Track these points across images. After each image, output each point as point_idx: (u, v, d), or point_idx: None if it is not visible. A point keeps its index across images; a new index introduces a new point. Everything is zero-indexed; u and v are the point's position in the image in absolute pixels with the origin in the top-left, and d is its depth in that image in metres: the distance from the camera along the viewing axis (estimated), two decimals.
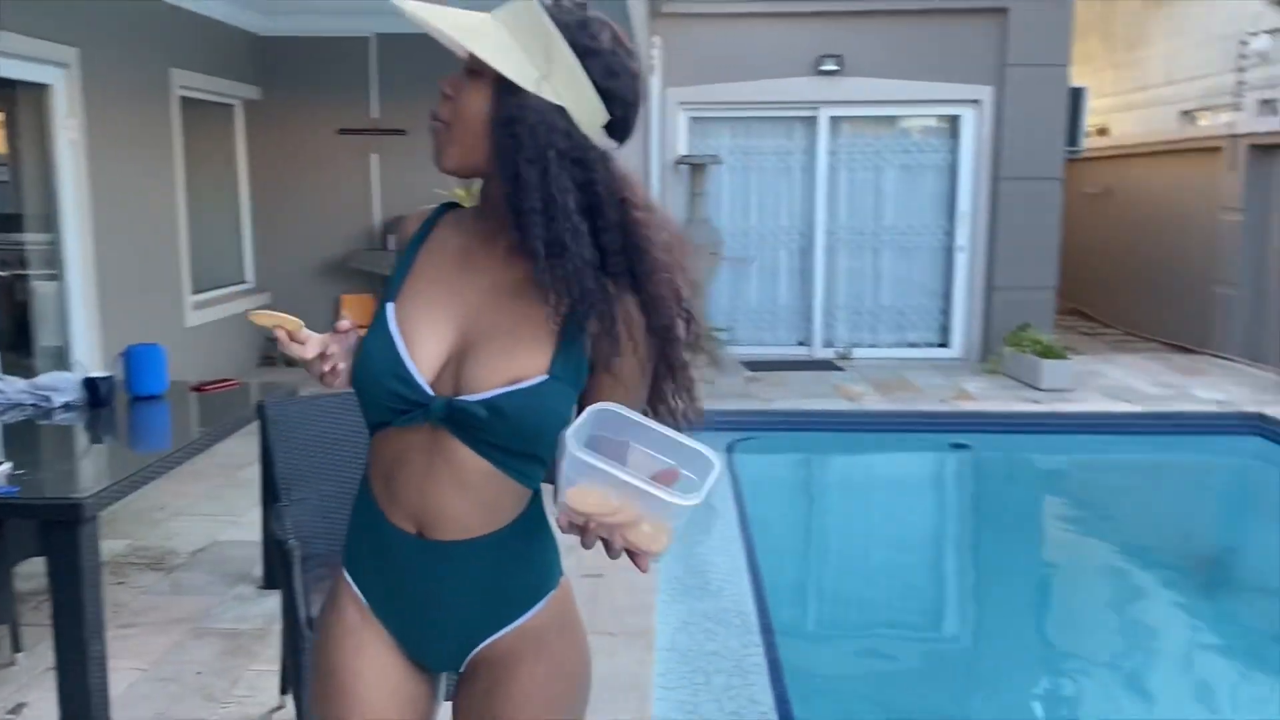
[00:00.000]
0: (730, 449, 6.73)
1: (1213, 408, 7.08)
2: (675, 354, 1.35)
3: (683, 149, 8.62)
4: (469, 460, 1.33)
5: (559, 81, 1.29)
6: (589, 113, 1.30)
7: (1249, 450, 6.81)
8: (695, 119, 8.69)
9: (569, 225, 1.28)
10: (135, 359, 3.52)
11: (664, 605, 3.91)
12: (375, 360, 1.35)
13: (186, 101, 7.32)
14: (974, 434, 6.94)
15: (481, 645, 1.43)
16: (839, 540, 5.97)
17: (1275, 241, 8.43)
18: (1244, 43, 9.94)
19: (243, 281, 8.55)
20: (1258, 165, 8.52)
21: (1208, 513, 6.50)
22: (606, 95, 1.31)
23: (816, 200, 8.70)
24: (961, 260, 8.69)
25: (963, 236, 8.65)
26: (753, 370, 8.15)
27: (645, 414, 1.34)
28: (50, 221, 5.83)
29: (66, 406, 3.40)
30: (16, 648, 3.27)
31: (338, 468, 3.00)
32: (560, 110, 1.29)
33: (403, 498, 1.37)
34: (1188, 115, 13.15)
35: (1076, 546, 5.77)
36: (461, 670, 1.47)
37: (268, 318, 1.45)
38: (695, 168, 8.23)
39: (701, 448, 1.22)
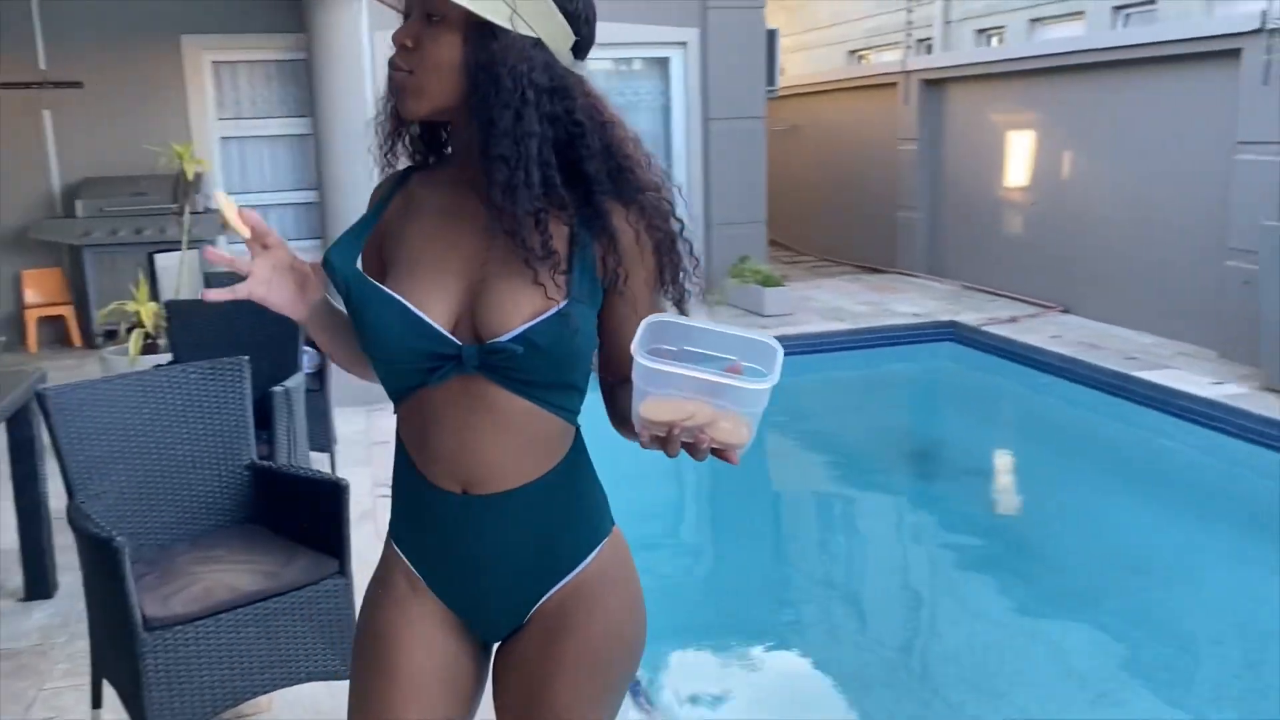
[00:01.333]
0: None
1: (912, 320, 7.89)
2: (676, 260, 1.35)
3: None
4: (507, 403, 1.29)
5: (528, 13, 1.26)
6: (560, 39, 1.29)
7: (946, 354, 7.68)
8: None
9: (540, 164, 1.26)
10: None
11: None
12: (393, 327, 1.28)
13: None
14: None
15: (537, 604, 1.38)
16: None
17: (947, 168, 9.44)
18: None
19: None
20: (929, 98, 9.46)
21: (921, 411, 7.29)
22: (570, 16, 1.30)
23: None
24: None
25: (680, 176, 9.00)
26: None
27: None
28: None
29: None
30: None
31: (136, 455, 2.74)
32: (537, 43, 1.27)
33: (443, 456, 1.32)
34: (855, 54, 14.36)
35: (814, 452, 6.30)
36: (513, 629, 1.41)
37: (230, 207, 1.36)
38: None
39: (760, 335, 1.21)
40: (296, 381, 3.83)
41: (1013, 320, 7.72)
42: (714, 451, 1.19)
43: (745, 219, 8.99)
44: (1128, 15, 9.66)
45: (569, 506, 1.38)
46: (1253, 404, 5.45)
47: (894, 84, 9.82)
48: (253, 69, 8.21)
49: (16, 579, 3.55)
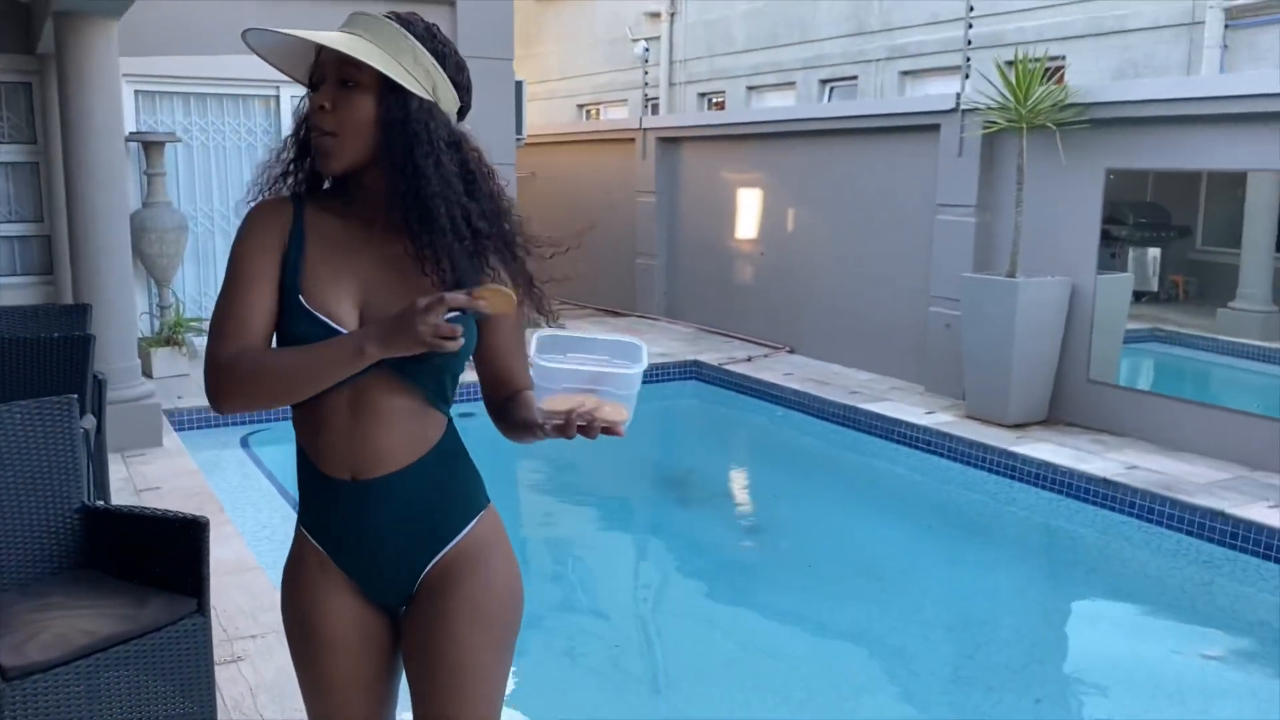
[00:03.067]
0: (245, 443, 6.50)
1: (659, 359, 8.40)
2: (536, 288, 1.62)
3: (131, 125, 7.88)
4: (396, 400, 1.54)
5: (427, 81, 1.53)
6: (449, 103, 1.56)
7: (691, 391, 8.25)
8: (143, 93, 7.99)
9: (460, 206, 1.53)
10: None
11: None
12: (312, 338, 1.50)
13: None
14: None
15: (424, 571, 1.60)
16: None
17: (683, 219, 10.13)
18: (644, 46, 11.62)
19: None
20: (665, 155, 10.13)
21: (672, 443, 7.77)
22: (458, 86, 1.57)
23: None
24: None
25: None
26: None
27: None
28: None
29: None
30: None
31: None
32: (435, 105, 1.53)
33: (335, 449, 1.56)
34: (583, 108, 15.00)
35: (568, 482, 6.57)
36: (409, 596, 1.63)
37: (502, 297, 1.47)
38: (150, 146, 7.62)
39: (625, 337, 1.55)
40: (89, 424, 3.64)
41: (749, 360, 8.42)
42: (604, 430, 1.44)
43: None
44: (832, 89, 10.84)
45: (445, 481, 1.61)
46: (959, 429, 6.31)
47: (632, 139, 10.43)
48: None
49: None
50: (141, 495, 4.86)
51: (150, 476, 5.15)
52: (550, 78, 15.13)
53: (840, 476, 6.65)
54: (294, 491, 5.22)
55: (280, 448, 6.62)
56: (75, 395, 2.81)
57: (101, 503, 2.87)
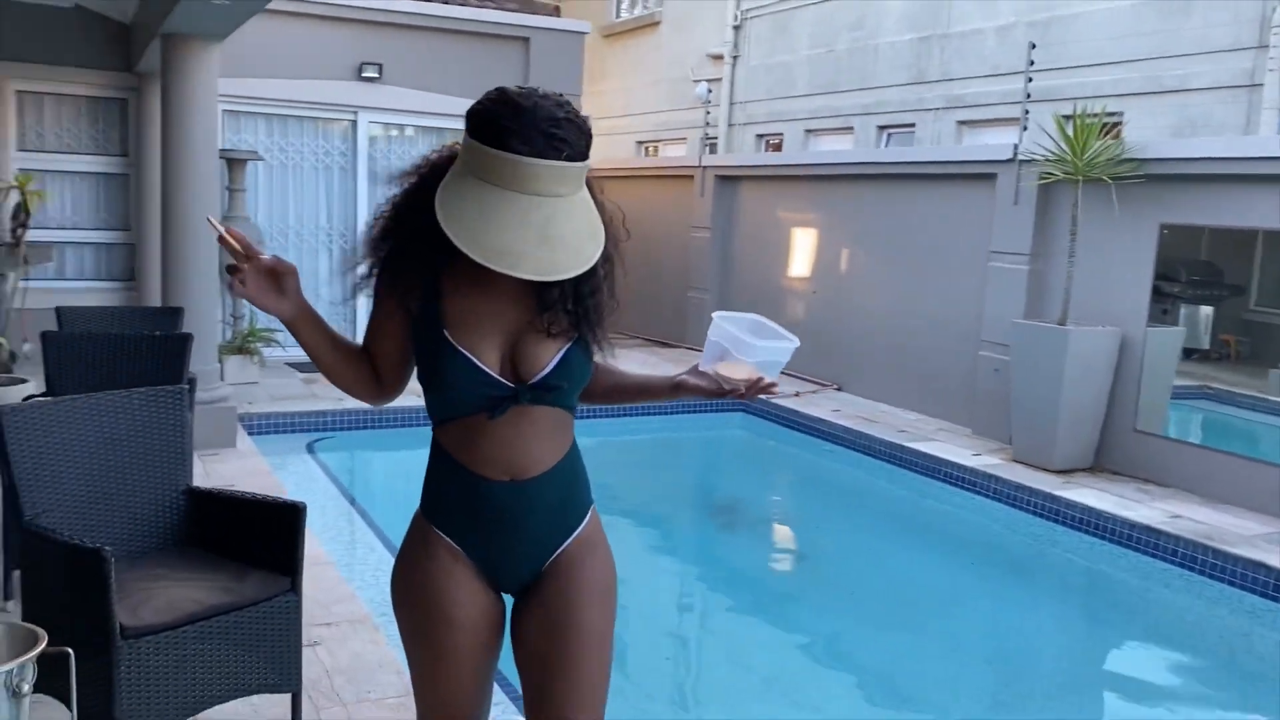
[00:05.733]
0: (310, 449, 6.75)
1: None
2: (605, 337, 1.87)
3: (218, 142, 8.25)
4: (546, 415, 1.77)
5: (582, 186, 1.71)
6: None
7: (739, 423, 8.41)
8: (230, 112, 8.38)
9: (598, 287, 1.79)
10: None
11: (360, 590, 4.05)
12: (463, 379, 1.72)
13: None
14: None
15: (551, 558, 1.82)
16: None
17: (737, 255, 10.34)
18: (706, 87, 11.89)
19: None
20: (722, 192, 10.37)
21: (719, 474, 7.93)
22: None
23: (359, 203, 8.86)
24: None
25: None
26: (303, 372, 8.09)
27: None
28: None
29: None
30: None
31: (82, 476, 2.82)
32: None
33: (494, 457, 1.76)
34: (643, 145, 15.31)
35: (618, 505, 6.76)
36: (527, 584, 1.85)
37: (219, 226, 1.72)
38: (233, 163, 7.98)
39: (759, 318, 1.96)
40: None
41: (796, 395, 8.56)
42: (762, 390, 1.87)
43: None
44: (890, 135, 11.02)
45: (576, 476, 1.86)
46: (1006, 472, 6.41)
47: (691, 176, 10.68)
48: (62, 102, 7.91)
49: None
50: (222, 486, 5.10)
51: (225, 475, 5.41)
52: (612, 114, 15.46)
53: (884, 512, 6.76)
54: (357, 493, 5.49)
55: (341, 454, 6.89)
56: (185, 385, 3.05)
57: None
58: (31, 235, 7.57)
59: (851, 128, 11.37)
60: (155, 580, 2.72)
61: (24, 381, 4.73)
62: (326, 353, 1.82)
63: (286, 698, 2.85)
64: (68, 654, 1.32)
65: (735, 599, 5.25)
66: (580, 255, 1.59)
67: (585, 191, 1.66)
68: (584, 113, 1.67)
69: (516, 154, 1.54)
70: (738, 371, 1.84)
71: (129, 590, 2.64)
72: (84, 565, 2.42)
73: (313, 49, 8.45)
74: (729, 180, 10.39)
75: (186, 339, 4.18)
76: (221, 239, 1.70)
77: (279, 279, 1.74)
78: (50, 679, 2.62)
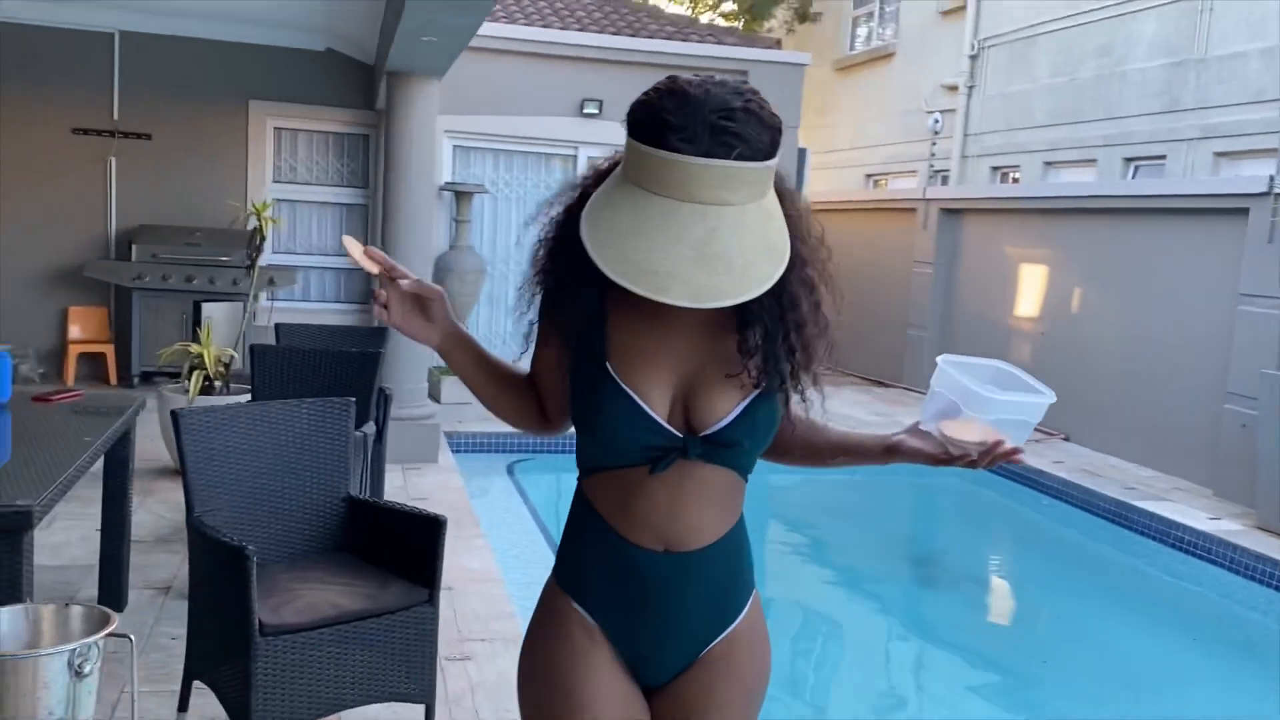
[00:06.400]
0: (510, 470, 6.95)
1: None
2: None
3: (447, 176, 8.75)
4: (715, 476, 1.46)
5: (768, 188, 1.34)
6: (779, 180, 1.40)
7: (945, 469, 7.94)
8: (460, 147, 8.86)
9: (800, 322, 1.44)
10: None
11: (522, 611, 4.09)
12: (623, 420, 1.43)
13: None
14: None
15: (703, 650, 1.52)
16: None
17: (960, 292, 9.87)
18: (935, 118, 11.51)
19: None
20: (946, 226, 9.94)
21: (924, 522, 7.54)
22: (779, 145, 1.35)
23: None
24: None
25: None
26: None
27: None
28: None
29: None
30: None
31: (253, 479, 2.99)
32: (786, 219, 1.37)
33: (649, 521, 1.46)
34: (871, 178, 14.97)
35: (820, 549, 6.53)
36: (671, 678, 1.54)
37: (355, 246, 1.55)
38: (460, 195, 8.40)
39: (1004, 365, 1.57)
40: (368, 429, 4.08)
41: None
42: (1001, 456, 1.48)
43: None
44: (1137, 166, 10.22)
45: (740, 557, 1.55)
46: (1248, 541, 5.72)
47: (913, 209, 10.31)
48: (312, 138, 8.63)
49: (90, 591, 3.74)
50: (411, 503, 5.34)
51: (423, 488, 5.65)
52: (841, 147, 15.23)
53: (1104, 576, 6.19)
54: (546, 517, 5.58)
55: (540, 476, 7.05)
56: (353, 399, 3.18)
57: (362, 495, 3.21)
58: (279, 259, 8.29)
59: (1094, 160, 10.62)
60: (305, 583, 2.84)
61: (247, 392, 5.13)
62: (481, 381, 1.61)
63: (421, 707, 2.90)
64: (130, 639, 1.35)
65: (928, 660, 4.94)
66: (747, 278, 1.26)
67: (769, 200, 1.33)
68: (771, 110, 1.35)
69: (676, 152, 1.25)
70: (969, 432, 1.46)
71: (279, 590, 2.77)
72: (230, 562, 2.56)
73: (537, 87, 8.80)
74: (954, 213, 9.95)
75: (376, 358, 4.40)
76: (361, 261, 1.54)
77: (425, 305, 1.55)
78: (205, 668, 2.79)
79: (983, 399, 1.44)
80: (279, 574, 2.89)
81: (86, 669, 1.35)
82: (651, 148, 1.26)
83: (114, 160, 8.11)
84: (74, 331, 8.02)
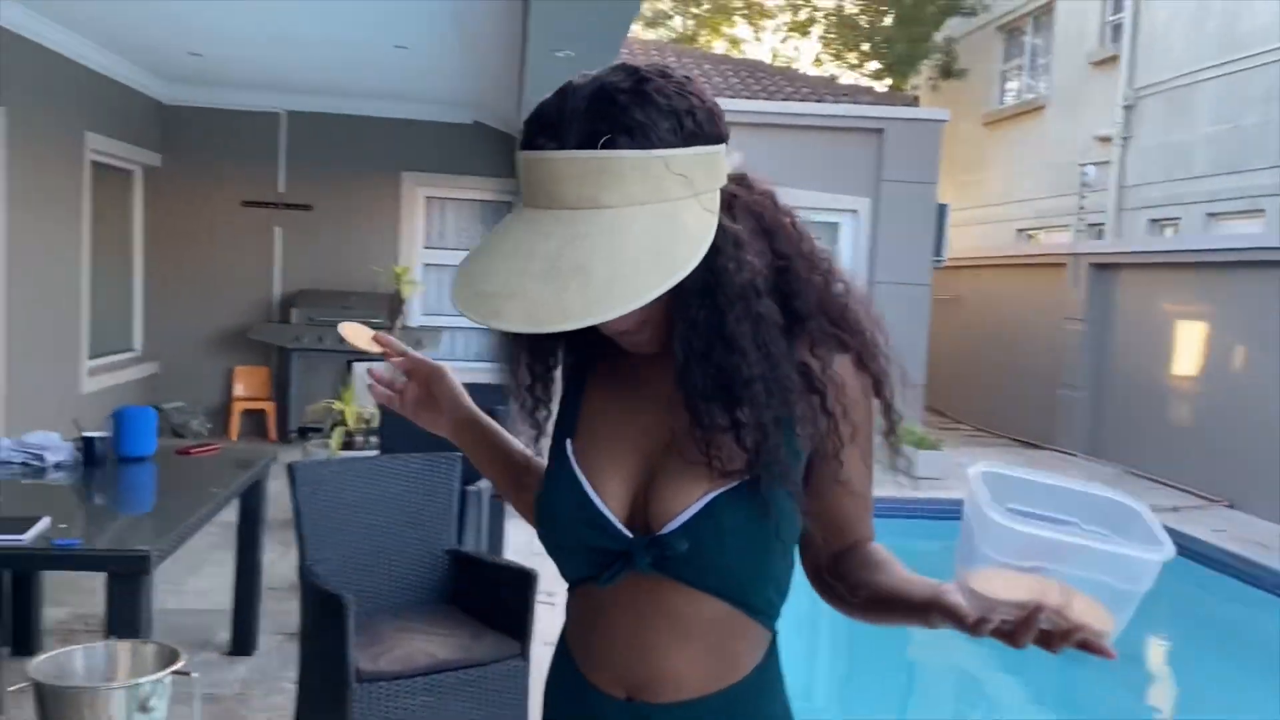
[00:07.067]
0: None
1: None
2: (894, 409, 1.15)
3: None
4: (691, 603, 1.08)
5: (708, 187, 1.03)
6: (721, 173, 1.06)
7: None
8: None
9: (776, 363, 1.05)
10: (127, 421, 3.53)
11: None
12: (564, 512, 1.13)
13: (95, 165, 7.22)
14: None
15: None
16: None
17: (1114, 351, 9.42)
18: (1085, 172, 11.14)
19: (130, 349, 8.32)
20: (1098, 281, 9.54)
21: None
22: (719, 137, 1.06)
23: None
24: None
25: None
26: None
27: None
28: None
29: (58, 465, 3.39)
30: None
31: (362, 531, 3.14)
32: (717, 226, 1.03)
33: (607, 657, 1.13)
34: (1023, 233, 14.54)
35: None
36: None
37: (360, 333, 1.39)
38: None
39: (1115, 493, 1.01)
40: (485, 484, 4.21)
41: (1175, 510, 7.55)
42: (1080, 644, 0.94)
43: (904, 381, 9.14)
44: None
45: None
46: None
47: (1062, 264, 9.95)
48: (460, 206, 9.05)
49: (224, 634, 3.97)
50: (533, 558, 5.44)
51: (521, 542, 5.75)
52: (991, 202, 14.87)
53: (1270, 659, 5.71)
54: None
55: None
56: (459, 454, 3.30)
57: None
58: (428, 320, 8.68)
59: (1263, 210, 10.04)
60: (405, 632, 2.95)
61: (377, 448, 5.38)
62: (496, 472, 1.37)
63: None
64: (191, 676, 1.45)
65: None
66: (610, 294, 0.93)
67: (683, 204, 0.99)
68: (699, 84, 1.05)
69: (533, 150, 0.99)
70: (1009, 587, 0.92)
71: (380, 638, 2.89)
72: (332, 610, 2.69)
73: (788, 160, 8.90)
74: (1106, 269, 9.54)
75: (497, 415, 4.53)
76: (368, 348, 1.37)
77: (426, 386, 1.35)
78: (312, 713, 2.93)
79: (1056, 543, 0.91)
80: (384, 624, 3.01)
81: (151, 704, 1.45)
82: (521, 152, 1.02)
83: (278, 230, 8.70)
84: (239, 389, 8.58)
